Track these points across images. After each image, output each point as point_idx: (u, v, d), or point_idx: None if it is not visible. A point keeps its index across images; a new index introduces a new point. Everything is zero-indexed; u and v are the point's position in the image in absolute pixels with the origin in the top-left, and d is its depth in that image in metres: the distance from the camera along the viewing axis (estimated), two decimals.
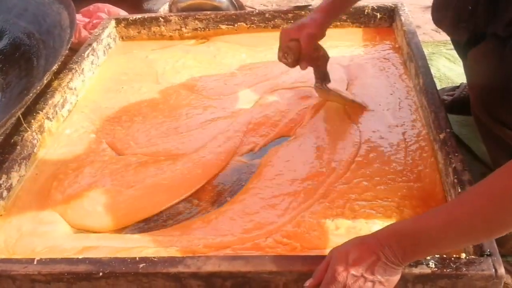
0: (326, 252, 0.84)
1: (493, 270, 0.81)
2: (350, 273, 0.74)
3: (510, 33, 0.88)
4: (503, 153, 1.03)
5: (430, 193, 1.07)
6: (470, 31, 1.02)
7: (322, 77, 1.34)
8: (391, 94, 1.41)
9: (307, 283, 0.79)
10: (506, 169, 0.69)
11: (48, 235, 1.06)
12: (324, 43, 1.75)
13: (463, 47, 1.09)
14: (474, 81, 1.02)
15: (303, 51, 1.21)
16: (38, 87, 1.23)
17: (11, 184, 1.16)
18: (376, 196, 1.07)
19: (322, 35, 1.26)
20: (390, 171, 1.14)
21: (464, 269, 0.81)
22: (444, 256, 0.83)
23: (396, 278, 0.77)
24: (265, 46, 1.71)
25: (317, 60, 1.29)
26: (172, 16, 1.83)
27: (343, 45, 1.68)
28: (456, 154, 1.04)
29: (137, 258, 0.88)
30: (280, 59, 1.27)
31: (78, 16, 1.92)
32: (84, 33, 1.92)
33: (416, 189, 1.08)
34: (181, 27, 1.83)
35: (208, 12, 1.83)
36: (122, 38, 1.87)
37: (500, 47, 0.91)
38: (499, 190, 0.68)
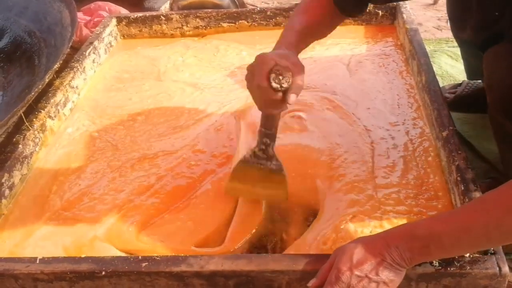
0: None
1: (497, 268, 0.81)
2: (354, 274, 0.74)
3: None
4: None
5: None
6: (491, 33, 1.00)
7: (273, 134, 0.97)
8: (389, 90, 1.41)
9: (310, 283, 0.79)
10: None
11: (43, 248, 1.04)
12: (325, 40, 1.75)
13: (480, 47, 1.06)
14: (493, 81, 0.99)
15: (295, 79, 0.87)
16: (40, 86, 1.22)
17: (13, 183, 1.16)
18: (410, 211, 1.02)
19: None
20: (411, 184, 1.09)
21: (468, 267, 0.81)
22: None
23: (400, 278, 0.77)
24: (265, 44, 1.71)
25: (281, 103, 0.90)
26: (173, 14, 1.82)
27: (344, 43, 1.67)
28: (459, 152, 1.03)
29: (140, 257, 0.88)
30: (256, 88, 0.89)
31: (79, 15, 1.91)
32: (85, 31, 1.92)
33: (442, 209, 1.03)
34: (182, 25, 1.83)
35: (209, 10, 1.82)
36: (123, 36, 1.87)
37: None
38: None
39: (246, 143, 1.20)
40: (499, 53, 0.97)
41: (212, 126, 1.33)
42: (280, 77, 0.84)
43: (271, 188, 1.04)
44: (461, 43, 1.19)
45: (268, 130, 0.97)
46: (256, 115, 1.34)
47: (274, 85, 0.84)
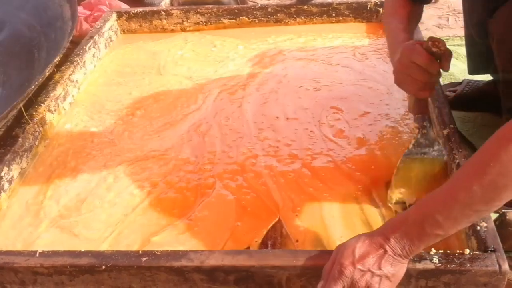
0: None
1: (497, 266, 0.81)
2: (357, 268, 0.74)
3: None
4: None
5: None
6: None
7: (429, 116, 1.02)
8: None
9: (319, 286, 0.78)
10: (495, 137, 0.71)
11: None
12: (327, 34, 1.75)
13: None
14: (507, 37, 0.99)
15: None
16: (40, 79, 1.22)
17: (12, 177, 1.16)
18: None
19: None
20: None
21: (468, 264, 0.81)
22: (448, 251, 0.83)
23: (402, 272, 0.77)
24: (259, 38, 1.73)
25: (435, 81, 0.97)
26: (173, 9, 1.82)
27: (346, 37, 1.69)
28: (460, 150, 1.04)
29: (140, 252, 0.88)
30: (414, 67, 0.92)
31: (79, 9, 1.91)
32: (85, 25, 1.92)
33: None
34: (182, 20, 1.83)
35: (210, 6, 1.82)
36: (123, 31, 1.86)
37: None
38: (490, 156, 0.69)
39: None
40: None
41: (193, 126, 1.33)
42: (437, 42, 0.89)
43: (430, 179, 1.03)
44: (468, 33, 1.19)
45: (425, 114, 1.01)
46: None
47: (435, 49, 0.89)
